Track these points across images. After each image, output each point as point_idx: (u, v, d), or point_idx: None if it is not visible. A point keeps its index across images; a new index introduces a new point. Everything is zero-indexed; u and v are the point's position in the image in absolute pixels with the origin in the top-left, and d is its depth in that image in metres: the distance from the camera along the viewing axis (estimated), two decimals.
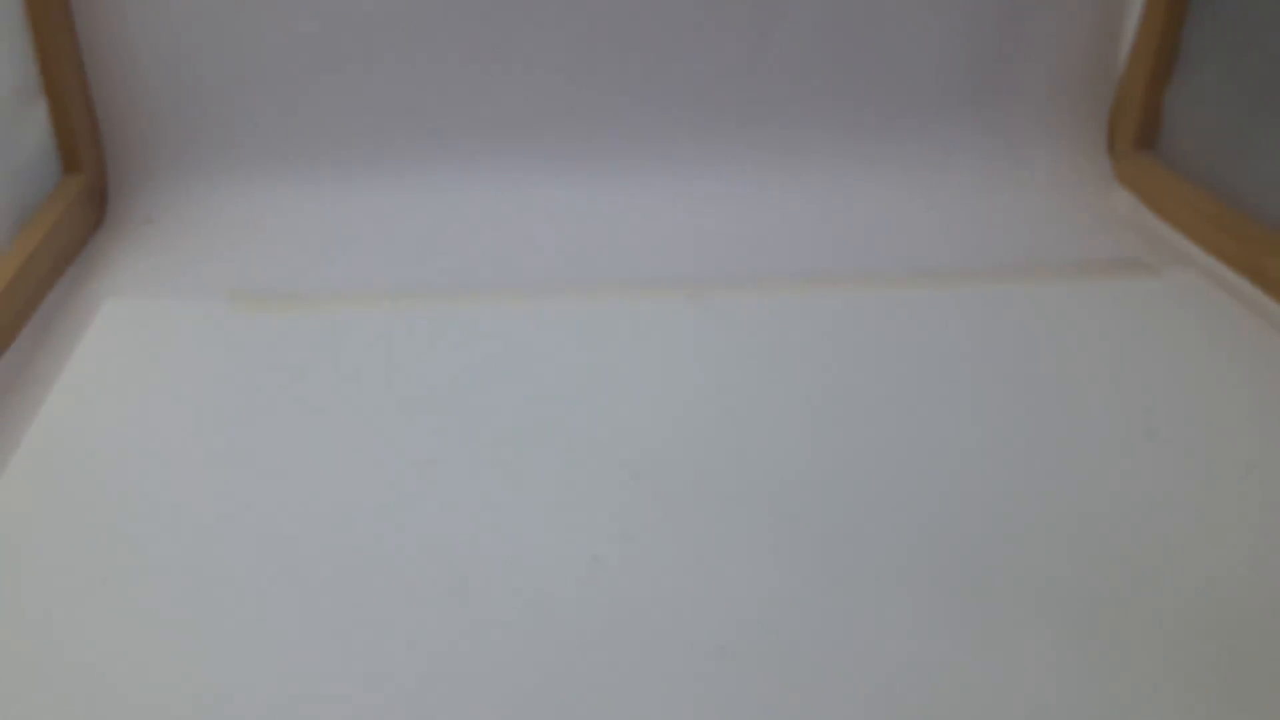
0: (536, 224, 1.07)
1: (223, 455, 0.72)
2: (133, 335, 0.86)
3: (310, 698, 0.55)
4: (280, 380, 0.81)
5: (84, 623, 0.59)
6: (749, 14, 1.10)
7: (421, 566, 0.63)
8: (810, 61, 1.12)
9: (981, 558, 0.65)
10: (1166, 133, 1.16)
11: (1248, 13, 1.04)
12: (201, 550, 0.64)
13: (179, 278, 0.96)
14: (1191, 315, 0.92)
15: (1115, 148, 1.19)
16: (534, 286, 0.96)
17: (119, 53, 1.03)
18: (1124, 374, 0.84)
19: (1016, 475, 0.72)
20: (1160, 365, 0.85)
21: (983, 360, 0.85)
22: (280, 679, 0.56)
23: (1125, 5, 1.15)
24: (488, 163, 1.11)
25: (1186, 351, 0.87)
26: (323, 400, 0.78)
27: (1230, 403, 0.80)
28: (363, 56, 1.07)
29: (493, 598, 0.61)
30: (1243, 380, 0.83)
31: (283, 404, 0.78)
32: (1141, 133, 1.16)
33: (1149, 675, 0.57)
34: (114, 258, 0.99)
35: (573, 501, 0.69)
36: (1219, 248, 1.02)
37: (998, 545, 0.66)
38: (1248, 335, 0.89)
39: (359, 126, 1.08)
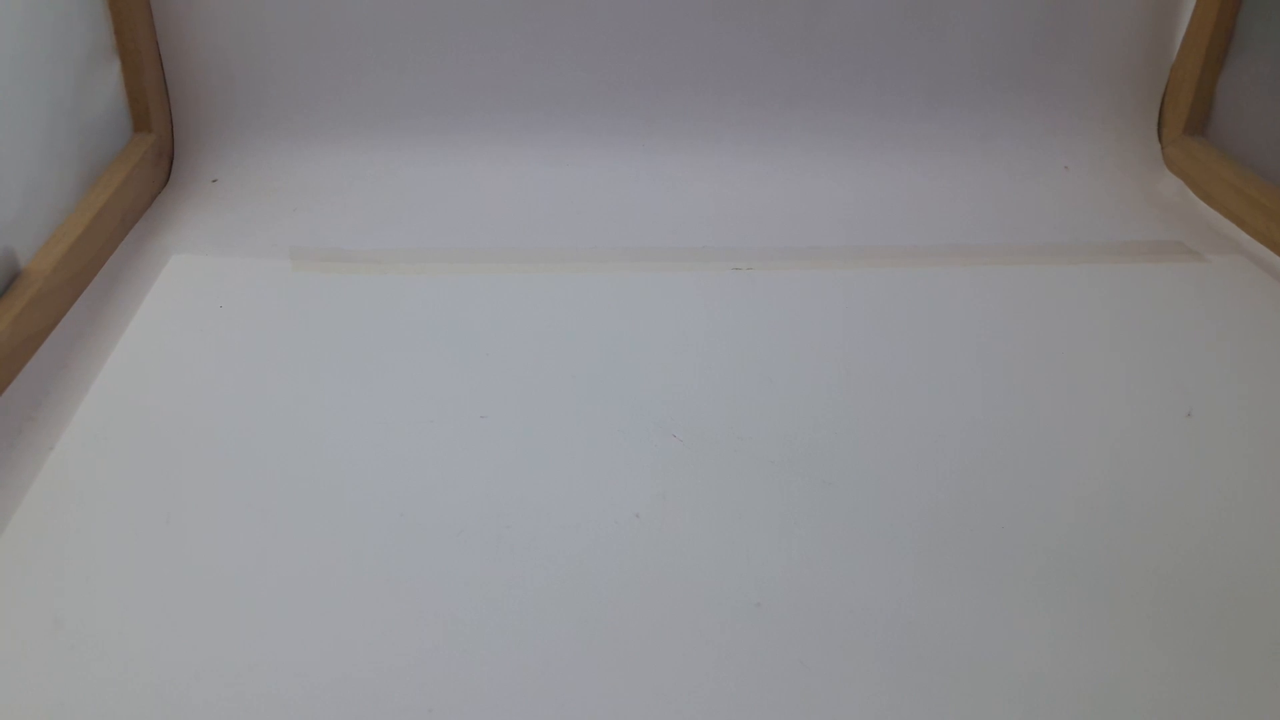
0: (588, 194, 1.08)
1: (281, 405, 0.75)
2: (197, 290, 0.89)
3: (359, 640, 0.57)
4: (338, 336, 0.83)
5: (147, 559, 0.62)
6: None
7: (469, 517, 0.66)
8: (859, 42, 1.13)
9: (1014, 529, 0.66)
10: (1217, 118, 1.15)
11: None
12: (261, 495, 0.67)
13: (242, 236, 0.98)
14: (1235, 300, 0.92)
15: (1165, 133, 1.18)
16: (583, 254, 0.98)
17: (190, 16, 1.05)
18: (1164, 355, 0.84)
19: (1052, 452, 0.73)
20: (1201, 348, 0.85)
21: (1022, 339, 0.86)
22: (334, 620, 0.58)
23: None
24: (541, 136, 1.12)
25: (1228, 335, 0.87)
26: (378, 357, 0.81)
27: (1271, 386, 0.81)
28: (426, 28, 1.09)
29: (537, 549, 0.63)
30: None
31: (339, 359, 0.80)
32: (1192, 118, 1.16)
33: (1187, 650, 0.58)
34: (180, 216, 1.02)
35: (615, 460, 0.71)
36: (1266, 234, 1.01)
37: (1030, 518, 0.67)
38: None
39: (420, 95, 1.11)
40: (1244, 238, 1.03)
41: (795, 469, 0.70)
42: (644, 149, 1.13)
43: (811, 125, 1.15)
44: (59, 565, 0.61)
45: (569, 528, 0.65)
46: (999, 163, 1.14)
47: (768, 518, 0.66)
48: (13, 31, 0.83)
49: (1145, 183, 1.14)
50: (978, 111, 1.16)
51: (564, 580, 0.61)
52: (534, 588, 0.61)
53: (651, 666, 0.56)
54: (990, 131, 1.16)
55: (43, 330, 0.81)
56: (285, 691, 0.54)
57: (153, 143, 1.05)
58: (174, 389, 0.76)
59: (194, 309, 0.86)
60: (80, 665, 0.55)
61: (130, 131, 1.05)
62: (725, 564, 0.63)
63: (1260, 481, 0.71)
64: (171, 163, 1.10)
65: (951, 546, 0.64)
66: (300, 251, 0.96)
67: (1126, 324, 0.89)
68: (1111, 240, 1.03)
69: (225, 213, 1.03)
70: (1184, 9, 1.15)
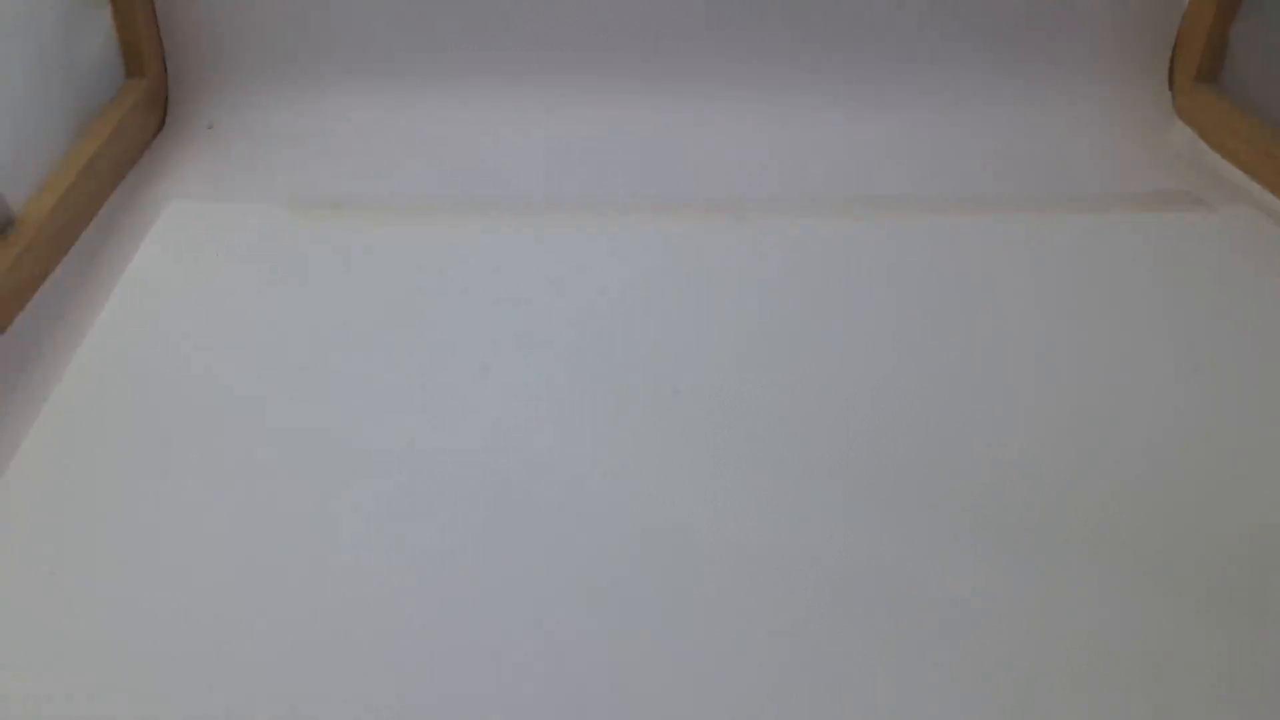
0: (589, 142, 1.07)
1: (279, 354, 0.74)
2: (194, 237, 0.88)
3: (357, 592, 0.57)
4: (336, 284, 0.83)
5: (143, 510, 0.61)
6: None
7: (471, 470, 0.65)
8: None
9: (1017, 485, 0.66)
10: (1230, 67, 1.13)
11: None
12: (258, 445, 0.66)
13: (239, 183, 0.97)
14: (1245, 251, 0.91)
15: (1176, 81, 1.16)
16: (590, 202, 0.96)
17: None
18: (1172, 308, 0.83)
19: (1058, 404, 0.72)
20: (1210, 300, 0.84)
21: (1029, 290, 0.85)
22: (333, 571, 0.58)
23: None
24: (542, 82, 1.11)
25: (1238, 287, 0.86)
26: (376, 305, 0.80)
27: (1279, 339, 0.80)
28: None
29: (540, 505, 0.63)
30: None
31: (337, 308, 0.80)
32: (1204, 66, 1.14)
33: (1190, 607, 0.58)
34: (175, 161, 1.01)
35: (615, 413, 0.70)
36: (1278, 185, 1.00)
37: (1034, 473, 0.66)
38: None
39: (420, 39, 1.09)
40: (1255, 188, 1.02)
41: (798, 424, 0.70)
42: (646, 95, 1.11)
43: (814, 72, 1.13)
44: (54, 516, 0.61)
45: (569, 481, 0.65)
46: (1006, 111, 1.13)
47: (771, 473, 0.66)
48: None
49: (1155, 132, 1.13)
50: (985, 58, 1.14)
51: (564, 534, 0.61)
52: (534, 540, 0.60)
53: (650, 621, 0.56)
54: (997, 79, 1.14)
55: (36, 279, 0.80)
56: (283, 643, 0.54)
57: (146, 88, 1.04)
58: (171, 338, 0.76)
59: (190, 257, 0.85)
60: (74, 616, 0.55)
61: (122, 77, 1.04)
62: (728, 519, 0.62)
63: (1267, 435, 0.70)
64: (165, 108, 1.08)
65: (958, 500, 0.64)
66: (298, 198, 0.94)
67: (1133, 275, 0.88)
68: (1119, 190, 1.02)
69: (221, 159, 1.01)
70: None
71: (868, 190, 1.00)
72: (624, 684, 0.53)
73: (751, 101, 1.12)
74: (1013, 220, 0.95)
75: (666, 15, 1.10)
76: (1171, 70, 1.17)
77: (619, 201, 0.97)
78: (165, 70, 1.08)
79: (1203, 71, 1.14)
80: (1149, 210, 0.98)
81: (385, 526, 0.61)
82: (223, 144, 1.04)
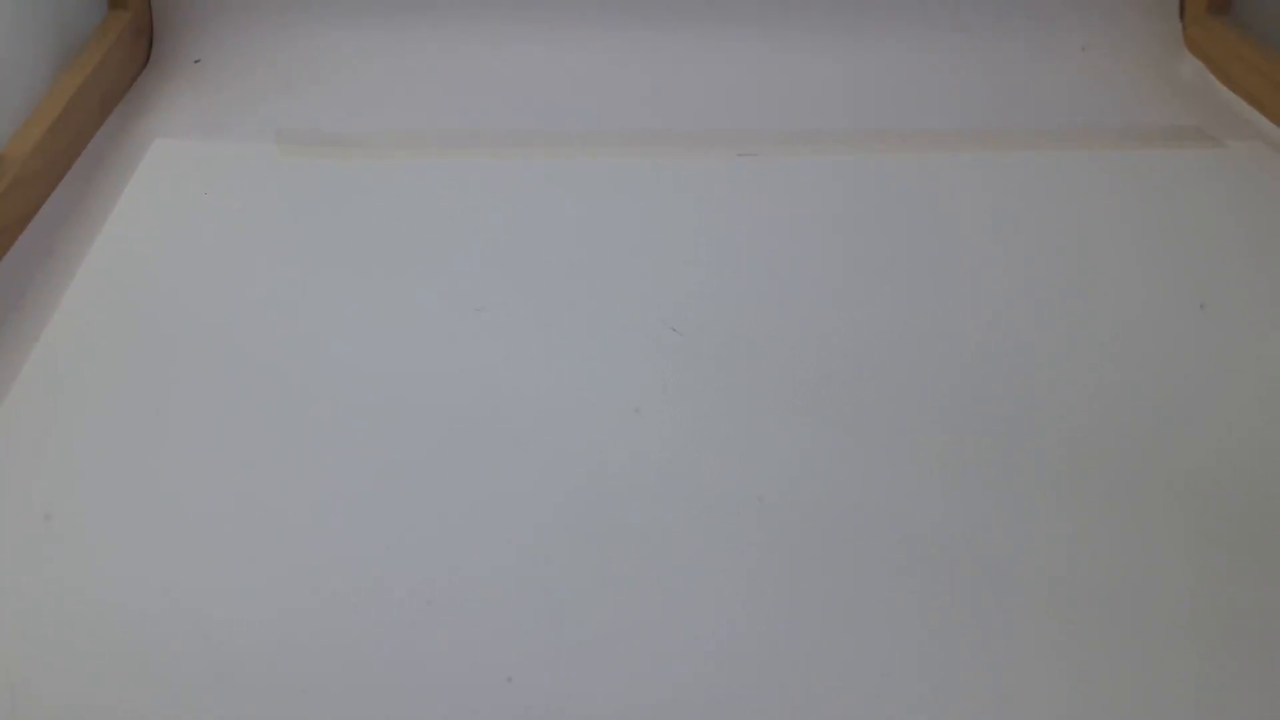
0: (586, 75, 1.05)
1: (269, 295, 0.73)
2: (181, 176, 0.86)
3: (352, 534, 0.57)
4: (327, 223, 0.81)
5: (136, 452, 0.61)
6: None
7: (465, 412, 0.64)
8: None
9: (1020, 423, 0.65)
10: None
11: None
12: (249, 386, 0.66)
13: (227, 119, 0.95)
14: (1252, 187, 0.90)
15: (1187, 12, 1.14)
16: (582, 138, 0.95)
17: None
18: (1179, 244, 0.82)
19: (1063, 344, 0.72)
20: (1217, 237, 0.83)
21: (1034, 226, 0.84)
22: (326, 513, 0.58)
23: None
24: (539, 13, 1.08)
25: (1245, 223, 0.85)
26: (368, 244, 0.79)
27: None
28: None
29: (535, 444, 0.62)
30: None
31: (328, 247, 0.78)
32: None
33: (1193, 544, 0.57)
34: (161, 98, 0.98)
35: (615, 354, 0.69)
36: None
37: (1040, 413, 0.66)
38: None
39: None
40: (1265, 123, 1.00)
41: (799, 363, 0.69)
42: (646, 28, 1.09)
43: (819, 4, 1.10)
44: (48, 458, 0.60)
45: (568, 422, 0.64)
46: (1014, 43, 1.10)
47: (771, 412, 0.65)
48: None
49: (1165, 65, 1.11)
50: None
51: (563, 476, 0.60)
52: (533, 483, 0.60)
53: (652, 562, 0.55)
54: (1005, 10, 1.11)
55: (22, 218, 0.79)
56: (275, 583, 0.53)
57: (129, 20, 1.01)
58: (160, 278, 0.74)
59: (178, 196, 0.84)
60: (70, 559, 0.54)
61: (105, 8, 1.01)
62: (728, 459, 0.62)
63: (1277, 370, 0.69)
64: (151, 42, 1.06)
65: (960, 442, 0.63)
66: (288, 135, 0.92)
67: (1139, 212, 0.86)
68: (1127, 125, 1.00)
69: (209, 94, 0.99)
70: None
71: (871, 125, 0.99)
72: (621, 620, 0.52)
73: (752, 32, 1.09)
74: (1016, 156, 0.94)
75: None
76: (1182, 1, 1.14)
77: (615, 135, 0.95)
78: (149, 2, 1.05)
79: (1215, 3, 1.12)
80: (1156, 146, 0.96)
81: (380, 469, 0.60)
82: (210, 79, 1.02)
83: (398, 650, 0.50)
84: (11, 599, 0.52)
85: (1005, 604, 0.54)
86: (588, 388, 0.67)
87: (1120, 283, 0.78)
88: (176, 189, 0.85)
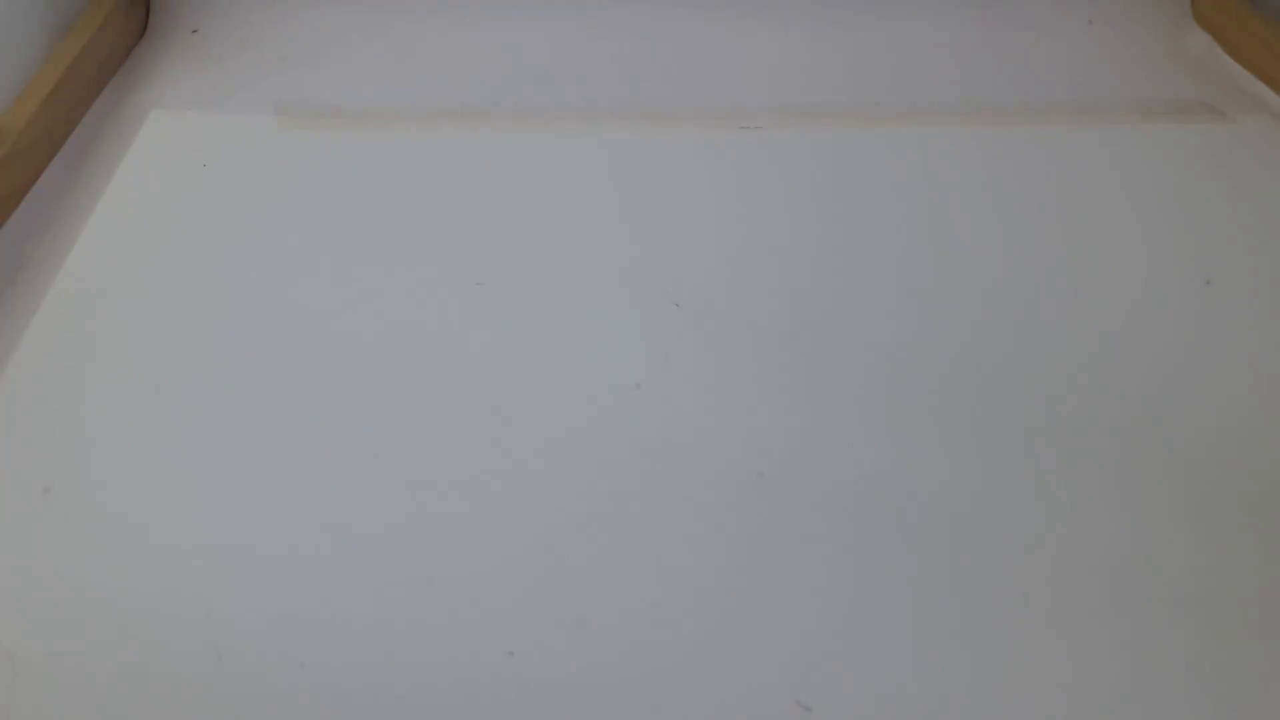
0: (588, 48, 1.04)
1: (267, 269, 0.73)
2: (178, 149, 0.86)
3: (353, 510, 0.56)
4: (325, 196, 0.80)
5: (136, 426, 0.60)
6: None
7: (464, 386, 0.64)
8: None
9: (1022, 399, 0.64)
10: None
11: None
12: (248, 360, 0.65)
13: (225, 91, 0.94)
14: (1259, 162, 0.89)
15: None
16: (583, 111, 0.94)
17: None
18: (1184, 220, 0.82)
19: (1067, 320, 0.71)
20: (1223, 212, 0.82)
21: (1040, 201, 0.83)
22: (328, 488, 0.57)
23: None
24: None
25: (1251, 199, 0.84)
26: (366, 218, 0.78)
27: None
28: None
29: (535, 419, 0.62)
30: None
31: (326, 220, 0.78)
32: None
33: (1196, 519, 0.57)
34: (158, 69, 0.97)
35: (616, 329, 0.69)
36: None
37: (1044, 389, 0.65)
38: None
39: None
40: (1273, 97, 0.99)
41: (800, 338, 0.69)
42: (649, 1, 1.07)
43: None
44: (47, 432, 0.60)
45: (568, 398, 0.63)
46: (1019, 17, 1.09)
47: (772, 387, 0.65)
48: None
49: (1172, 38, 1.10)
50: None
51: (564, 451, 0.60)
52: (533, 458, 0.59)
53: (652, 537, 0.55)
54: None
55: (19, 189, 0.78)
56: (275, 557, 0.53)
57: None
58: (158, 250, 0.74)
59: (175, 168, 0.83)
60: (70, 532, 0.54)
61: None
62: (728, 435, 0.61)
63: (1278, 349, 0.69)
64: (148, 11, 1.04)
65: (961, 418, 0.63)
66: (286, 107, 0.91)
67: (1146, 187, 0.86)
68: (1133, 99, 0.99)
69: (207, 66, 0.98)
70: None
71: (876, 99, 0.98)
72: (621, 595, 0.52)
73: (757, 6, 1.08)
74: (1022, 131, 0.93)
75: None
76: None
77: (617, 109, 0.94)
78: None
79: None
80: (1163, 120, 0.95)
81: (379, 444, 0.60)
82: (208, 50, 1.01)
83: (399, 624, 0.50)
84: (11, 571, 0.52)
85: (1006, 579, 0.54)
86: (588, 363, 0.66)
87: (1126, 258, 0.77)
88: (174, 160, 0.84)
